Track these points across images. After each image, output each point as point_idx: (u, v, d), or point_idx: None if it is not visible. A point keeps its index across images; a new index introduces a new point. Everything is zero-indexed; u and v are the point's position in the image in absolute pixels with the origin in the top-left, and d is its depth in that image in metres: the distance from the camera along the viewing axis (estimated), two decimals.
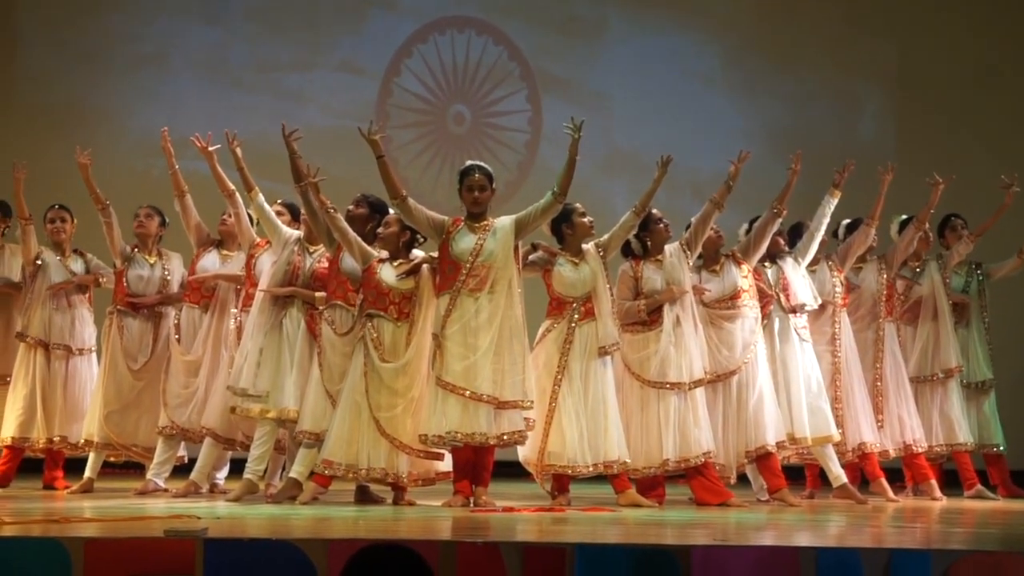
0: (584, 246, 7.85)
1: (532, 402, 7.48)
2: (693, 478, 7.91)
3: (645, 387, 7.91)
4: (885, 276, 8.94)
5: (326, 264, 7.91)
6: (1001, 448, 9.36)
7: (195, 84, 11.58)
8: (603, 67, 11.73)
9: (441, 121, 11.63)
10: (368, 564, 3.39)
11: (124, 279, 8.61)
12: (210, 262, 8.48)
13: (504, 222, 7.60)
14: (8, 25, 11.52)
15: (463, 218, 7.64)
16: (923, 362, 9.17)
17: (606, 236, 7.88)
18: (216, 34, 11.70)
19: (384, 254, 7.74)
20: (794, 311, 8.40)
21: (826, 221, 8.49)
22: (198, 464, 8.19)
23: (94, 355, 8.90)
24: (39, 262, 8.82)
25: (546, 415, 7.61)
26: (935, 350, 9.18)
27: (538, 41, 11.71)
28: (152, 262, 8.66)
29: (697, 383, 7.91)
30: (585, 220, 7.84)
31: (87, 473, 8.52)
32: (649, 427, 7.86)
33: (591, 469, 7.61)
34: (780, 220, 8.28)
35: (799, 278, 8.47)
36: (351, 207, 7.91)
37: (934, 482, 8.88)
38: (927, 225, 9.15)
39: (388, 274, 7.65)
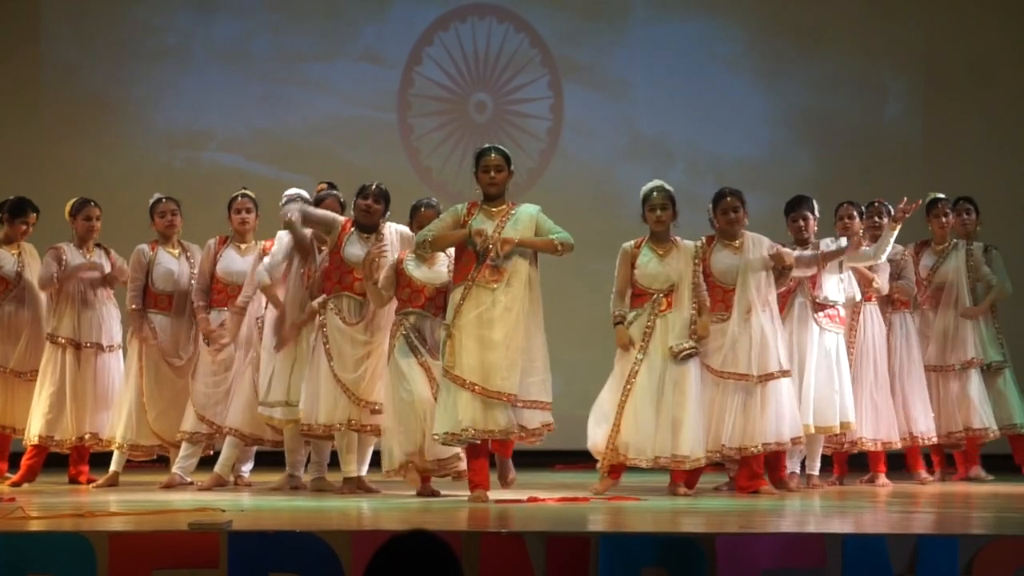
0: (684, 243, 7.71)
1: (550, 403, 7.23)
2: (743, 465, 7.78)
3: (718, 378, 7.74)
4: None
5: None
6: (1021, 426, 9.28)
7: (218, 75, 11.57)
8: (626, 52, 11.64)
9: (463, 110, 11.58)
10: (395, 552, 3.38)
11: (150, 278, 8.56)
12: (228, 258, 8.44)
13: (527, 212, 7.32)
14: (31, 18, 11.53)
15: (479, 202, 7.36)
16: (941, 351, 9.09)
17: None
18: (238, 25, 11.68)
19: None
20: (815, 303, 8.28)
21: (887, 251, 8.28)
22: (221, 457, 8.21)
23: (121, 352, 8.85)
24: (62, 261, 8.72)
25: (620, 399, 7.49)
26: (954, 339, 9.11)
27: (560, 27, 11.64)
28: (176, 254, 8.63)
29: (766, 377, 7.72)
30: (655, 213, 7.67)
31: (112, 467, 8.50)
32: (715, 415, 7.70)
33: (660, 462, 7.49)
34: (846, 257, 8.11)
35: (834, 277, 8.29)
36: (369, 202, 7.73)
37: (979, 468, 9.03)
38: (949, 215, 9.08)
39: (417, 270, 7.47)
